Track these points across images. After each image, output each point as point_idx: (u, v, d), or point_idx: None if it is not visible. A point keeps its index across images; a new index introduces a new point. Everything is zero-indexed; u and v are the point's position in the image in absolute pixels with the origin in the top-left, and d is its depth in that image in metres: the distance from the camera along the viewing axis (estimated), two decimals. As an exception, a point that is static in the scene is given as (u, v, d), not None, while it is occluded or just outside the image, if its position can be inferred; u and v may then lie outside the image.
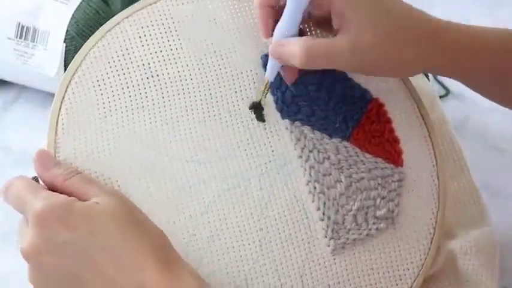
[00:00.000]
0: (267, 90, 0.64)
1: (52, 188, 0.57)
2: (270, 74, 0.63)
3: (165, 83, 0.63)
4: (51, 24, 0.86)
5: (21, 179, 0.57)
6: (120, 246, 0.53)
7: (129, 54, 0.63)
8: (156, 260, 0.53)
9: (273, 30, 0.62)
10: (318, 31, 0.67)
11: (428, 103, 0.74)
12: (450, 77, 0.66)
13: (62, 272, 0.53)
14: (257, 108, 0.64)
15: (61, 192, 0.56)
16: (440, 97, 0.89)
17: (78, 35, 0.85)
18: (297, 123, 0.65)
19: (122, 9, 0.84)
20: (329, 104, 0.66)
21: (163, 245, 0.55)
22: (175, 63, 0.63)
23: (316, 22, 0.65)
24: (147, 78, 0.63)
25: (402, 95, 0.68)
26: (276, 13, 0.62)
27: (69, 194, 0.56)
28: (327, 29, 0.64)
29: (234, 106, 0.64)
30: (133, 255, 0.52)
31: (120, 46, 0.63)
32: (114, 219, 0.54)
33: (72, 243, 0.52)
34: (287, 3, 0.61)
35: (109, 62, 0.62)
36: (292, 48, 0.60)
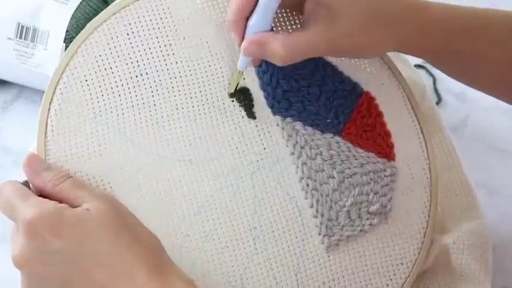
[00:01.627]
0: (238, 81, 0.63)
1: (42, 193, 0.56)
2: (242, 64, 0.61)
3: (155, 81, 0.62)
4: (51, 24, 0.85)
5: (11, 185, 0.55)
6: (111, 254, 0.52)
7: (117, 52, 0.61)
8: (147, 266, 0.52)
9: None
10: (285, 14, 0.65)
11: (419, 94, 0.74)
12: (419, 57, 0.65)
13: (54, 280, 0.52)
14: (246, 104, 0.64)
15: (51, 198, 0.55)
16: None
17: (78, 35, 0.84)
18: (289, 119, 0.64)
19: None
20: (320, 99, 0.65)
21: (155, 250, 0.55)
22: (165, 60, 0.62)
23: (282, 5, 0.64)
24: (136, 76, 0.61)
25: (393, 87, 0.68)
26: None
27: (60, 200, 0.55)
28: (293, 11, 0.63)
29: (224, 104, 0.63)
30: (124, 262, 0.52)
31: (108, 44, 0.61)
32: (105, 226, 0.53)
33: (62, 252, 0.52)
34: (260, 2, 0.59)
35: (97, 61, 0.61)
36: (273, 47, 0.59)
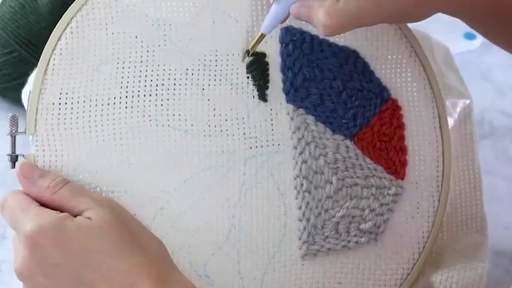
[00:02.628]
0: (258, 43, 0.58)
1: (41, 202, 0.54)
2: (266, 27, 0.57)
3: (170, 38, 0.57)
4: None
5: (13, 196, 0.54)
6: (114, 265, 0.51)
7: (134, 5, 0.57)
8: (151, 277, 0.51)
9: None
10: None
11: (463, 112, 0.68)
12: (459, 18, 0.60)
13: None
14: (261, 85, 0.59)
15: (51, 205, 0.53)
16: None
17: (3, 30, 0.81)
18: (301, 110, 0.60)
19: (49, 4, 0.80)
20: (341, 95, 0.60)
21: (159, 258, 0.53)
22: (183, 16, 0.57)
23: None
24: (153, 25, 0.57)
25: (425, 101, 0.63)
26: None
27: (60, 207, 0.53)
28: None
29: (237, 79, 0.59)
30: (128, 273, 0.51)
31: None
32: (107, 236, 0.52)
33: (64, 264, 0.51)
34: None
35: (116, 6, 0.56)
36: (318, 16, 0.53)
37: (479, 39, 0.92)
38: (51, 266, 0.51)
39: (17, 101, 0.86)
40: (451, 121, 0.68)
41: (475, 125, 0.69)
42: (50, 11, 0.80)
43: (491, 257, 0.68)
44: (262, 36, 0.57)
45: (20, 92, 0.85)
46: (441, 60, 0.71)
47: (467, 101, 0.70)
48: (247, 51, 0.58)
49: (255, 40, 0.58)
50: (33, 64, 0.81)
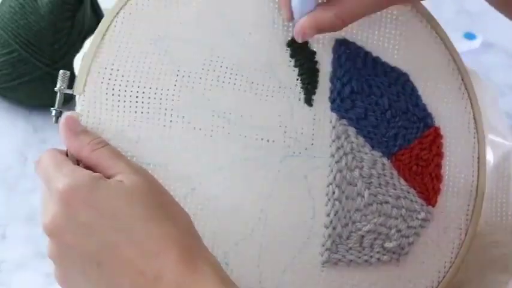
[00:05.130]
0: None
1: (78, 157, 0.54)
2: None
3: (232, 31, 0.59)
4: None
5: (49, 153, 0.54)
6: (143, 230, 0.50)
7: None
8: (178, 247, 0.50)
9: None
10: None
11: (500, 154, 0.68)
12: None
13: (82, 251, 0.51)
14: (309, 89, 0.60)
15: (86, 163, 0.54)
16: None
17: (3, 30, 0.82)
18: (344, 121, 0.60)
19: (49, 4, 0.81)
20: (386, 113, 0.61)
21: (188, 231, 0.52)
22: (235, 8, 0.59)
23: None
24: (216, 13, 0.59)
25: (468, 136, 0.63)
26: None
27: (95, 166, 0.53)
28: None
29: (287, 78, 0.60)
30: (155, 240, 0.50)
31: None
32: (139, 201, 0.51)
33: (93, 225, 0.51)
34: None
35: None
36: (326, 20, 0.57)
37: (479, 39, 0.92)
38: (81, 225, 0.51)
39: (16, 100, 0.88)
40: (490, 159, 0.68)
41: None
42: (49, 11, 0.82)
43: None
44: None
45: (21, 92, 0.85)
46: (488, 100, 0.72)
47: (509, 144, 0.70)
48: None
49: None
50: (33, 64, 0.83)
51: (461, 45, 0.93)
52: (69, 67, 0.78)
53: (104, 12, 0.89)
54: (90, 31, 0.84)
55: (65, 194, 0.51)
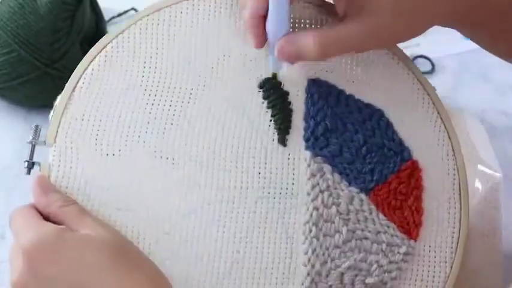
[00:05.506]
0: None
1: (46, 213, 0.55)
2: (273, 65, 0.60)
3: (199, 74, 0.60)
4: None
5: (19, 209, 0.55)
6: (111, 282, 0.51)
7: (169, 38, 0.60)
8: None
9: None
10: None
11: (481, 193, 0.68)
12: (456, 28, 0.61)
13: None
14: (282, 129, 0.60)
15: (53, 219, 0.54)
16: (425, 73, 0.83)
17: (2, 30, 0.83)
18: (319, 158, 0.60)
19: (48, 4, 0.82)
20: (361, 149, 0.61)
21: (156, 279, 0.53)
22: (206, 53, 0.60)
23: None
24: (188, 63, 0.60)
25: (447, 168, 0.62)
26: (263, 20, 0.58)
27: (61, 222, 0.54)
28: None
29: (259, 120, 0.60)
30: None
31: (163, 32, 0.60)
32: (107, 253, 0.52)
33: (60, 279, 0.51)
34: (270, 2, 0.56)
35: (152, 40, 0.60)
36: (305, 43, 0.56)
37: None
38: (47, 280, 0.51)
39: (15, 100, 0.88)
40: (478, 190, 0.68)
41: (501, 200, 0.68)
42: (49, 11, 0.82)
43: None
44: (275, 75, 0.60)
45: (20, 92, 0.85)
46: (474, 135, 0.71)
47: (498, 175, 0.69)
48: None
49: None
50: (32, 64, 0.83)
51: (461, 45, 0.93)
52: (68, 67, 0.79)
53: (104, 11, 0.90)
54: (90, 31, 0.86)
55: (29, 249, 0.51)
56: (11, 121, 0.87)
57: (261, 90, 0.61)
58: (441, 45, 0.93)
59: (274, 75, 0.61)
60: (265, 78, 0.61)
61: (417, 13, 0.56)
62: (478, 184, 0.68)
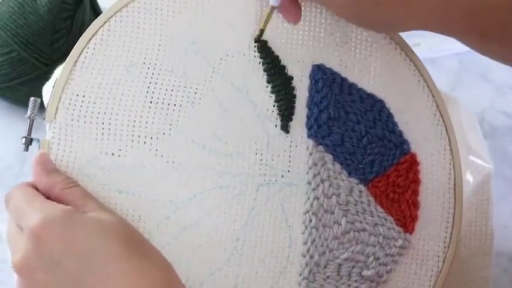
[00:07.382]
0: (270, 17, 0.58)
1: (49, 195, 0.52)
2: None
3: (203, 55, 0.58)
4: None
5: (19, 188, 0.52)
6: (117, 268, 0.48)
7: (174, 15, 0.58)
8: (154, 284, 0.49)
9: None
10: None
11: (476, 182, 0.68)
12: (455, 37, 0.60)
13: None
14: (285, 115, 0.59)
15: (56, 201, 0.51)
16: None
17: (2, 29, 0.82)
18: (321, 147, 0.59)
19: (48, 4, 0.81)
20: (362, 140, 0.60)
21: (164, 268, 0.51)
22: (211, 33, 0.58)
23: None
24: (192, 44, 0.58)
25: (444, 162, 0.62)
26: None
27: (67, 204, 0.51)
28: None
29: (263, 105, 0.59)
30: (133, 280, 0.48)
31: (168, 7, 0.58)
32: (114, 237, 0.50)
33: (67, 262, 0.48)
34: None
35: (156, 13, 0.57)
36: None
37: (479, 40, 0.92)
38: (54, 263, 0.49)
39: (15, 100, 0.87)
40: (470, 179, 0.68)
41: (492, 191, 0.69)
42: (48, 11, 0.81)
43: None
44: (273, 8, 0.57)
45: (20, 92, 0.85)
46: (466, 125, 0.71)
47: (488, 166, 0.70)
48: (261, 31, 0.58)
49: (266, 15, 0.58)
50: (32, 64, 0.82)
51: (461, 45, 0.93)
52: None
53: (103, 11, 0.87)
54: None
55: (37, 230, 0.49)
56: (11, 121, 0.86)
57: (265, 73, 0.59)
58: (441, 45, 0.93)
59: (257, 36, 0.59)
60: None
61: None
62: (469, 176, 0.68)
